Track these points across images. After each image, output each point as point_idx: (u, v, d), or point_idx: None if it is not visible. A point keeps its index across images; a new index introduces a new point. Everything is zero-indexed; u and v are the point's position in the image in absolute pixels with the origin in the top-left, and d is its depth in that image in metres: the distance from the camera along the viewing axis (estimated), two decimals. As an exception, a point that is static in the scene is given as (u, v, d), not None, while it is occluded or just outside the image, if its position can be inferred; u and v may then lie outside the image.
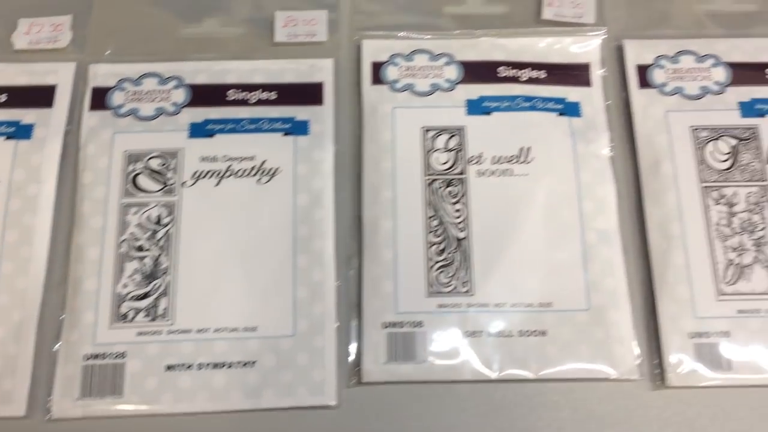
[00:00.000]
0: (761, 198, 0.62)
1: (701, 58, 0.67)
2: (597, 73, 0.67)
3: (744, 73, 0.66)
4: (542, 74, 0.67)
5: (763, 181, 0.62)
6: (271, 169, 0.63)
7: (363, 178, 0.64)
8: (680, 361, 0.58)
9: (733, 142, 0.64)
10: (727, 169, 0.63)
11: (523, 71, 0.67)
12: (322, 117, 0.65)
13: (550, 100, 0.66)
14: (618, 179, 0.64)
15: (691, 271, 0.60)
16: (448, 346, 0.59)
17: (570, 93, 0.66)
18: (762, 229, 0.61)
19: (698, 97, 0.65)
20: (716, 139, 0.64)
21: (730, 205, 0.62)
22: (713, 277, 0.60)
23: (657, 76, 0.66)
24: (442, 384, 0.59)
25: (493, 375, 0.58)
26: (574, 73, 0.67)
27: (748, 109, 0.64)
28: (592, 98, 0.66)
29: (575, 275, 0.60)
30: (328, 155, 0.64)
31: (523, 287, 0.60)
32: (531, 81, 0.67)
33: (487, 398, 0.58)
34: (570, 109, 0.65)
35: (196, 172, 0.63)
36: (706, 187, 0.62)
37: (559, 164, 0.63)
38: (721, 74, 0.66)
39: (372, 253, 0.61)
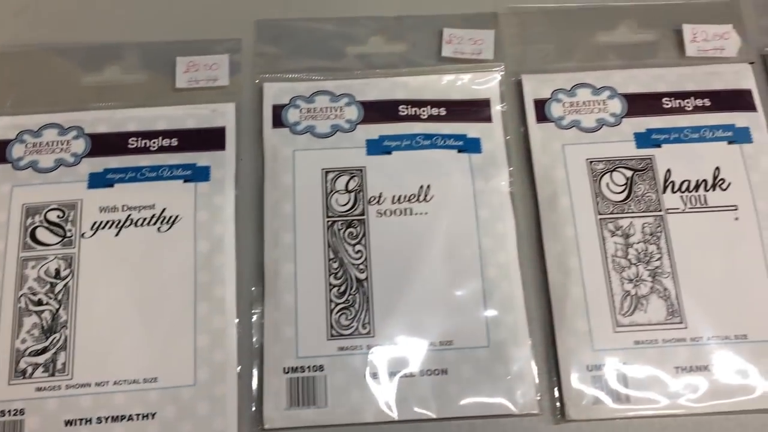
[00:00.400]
0: (657, 228, 0.63)
1: (598, 91, 0.68)
2: (497, 109, 0.68)
3: (640, 103, 0.67)
4: (443, 111, 0.68)
5: (659, 211, 0.63)
6: (171, 217, 0.63)
7: (264, 223, 0.64)
8: (579, 394, 0.59)
9: (629, 173, 0.65)
10: (623, 200, 0.64)
11: (423, 109, 0.68)
12: (223, 162, 0.66)
13: (450, 137, 0.67)
14: (518, 214, 0.65)
15: (589, 304, 0.61)
16: (349, 388, 0.59)
17: (470, 129, 0.67)
18: (658, 259, 0.62)
19: (594, 130, 0.66)
20: (612, 170, 0.65)
21: (627, 236, 0.63)
22: (610, 309, 0.61)
23: (554, 109, 0.67)
24: (345, 427, 0.59)
25: (396, 416, 0.59)
26: (474, 110, 0.68)
27: (644, 139, 0.66)
28: (492, 134, 0.67)
29: (476, 312, 0.61)
30: (228, 201, 0.65)
31: (423, 326, 0.61)
32: (432, 118, 0.67)
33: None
34: (470, 146, 0.66)
35: (95, 223, 0.63)
36: (602, 219, 0.63)
37: (459, 201, 0.64)
38: (617, 106, 0.67)
39: (273, 298, 0.61)
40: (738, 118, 0.67)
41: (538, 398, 0.60)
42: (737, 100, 0.68)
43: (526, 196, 0.66)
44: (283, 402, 0.59)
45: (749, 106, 0.67)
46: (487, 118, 0.68)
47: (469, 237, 0.63)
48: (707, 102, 0.67)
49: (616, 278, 0.61)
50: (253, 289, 0.63)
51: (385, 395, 0.59)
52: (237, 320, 0.61)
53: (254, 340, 0.61)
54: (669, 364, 0.59)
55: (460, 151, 0.66)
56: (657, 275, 0.62)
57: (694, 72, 0.69)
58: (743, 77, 0.69)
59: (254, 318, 0.62)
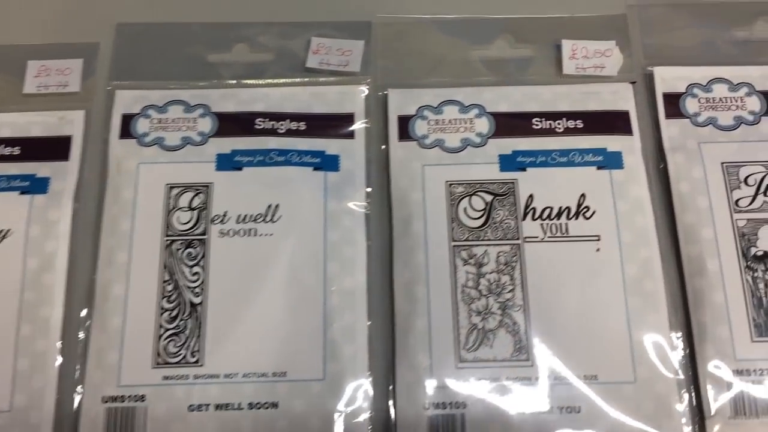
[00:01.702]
0: (512, 258, 0.60)
1: (466, 108, 0.65)
2: (360, 125, 0.65)
3: (509, 123, 0.65)
4: (302, 126, 0.65)
5: (516, 239, 0.60)
6: (0, 231, 0.61)
7: (100, 240, 0.61)
8: (413, 434, 0.56)
9: (489, 197, 0.62)
10: (480, 227, 0.61)
11: (282, 123, 0.65)
12: (65, 174, 0.63)
13: (307, 153, 0.64)
14: (372, 237, 0.62)
15: (433, 337, 0.58)
16: (170, 422, 0.57)
17: (330, 146, 0.65)
18: (510, 291, 0.59)
19: (458, 150, 0.64)
20: (471, 194, 0.62)
21: (480, 265, 0.60)
22: (455, 343, 0.58)
23: (418, 127, 0.65)
24: (163, 462, 0.56)
25: (218, 451, 0.56)
26: (336, 125, 0.65)
27: (508, 162, 0.63)
28: (353, 151, 0.65)
29: (313, 342, 0.59)
30: (65, 215, 0.62)
31: (257, 356, 0.58)
32: (290, 133, 0.65)
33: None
34: (327, 163, 0.64)
35: None
36: (456, 246, 0.60)
37: (307, 223, 0.62)
38: (484, 125, 0.64)
39: (100, 321, 0.59)
40: (610, 142, 0.64)
41: (372, 437, 0.57)
42: (612, 122, 0.65)
43: (383, 219, 0.63)
44: (100, 433, 0.56)
45: (624, 129, 0.64)
46: (349, 135, 0.65)
47: (315, 261, 0.61)
48: (579, 123, 0.64)
49: (464, 310, 0.59)
50: (83, 310, 0.60)
51: (208, 430, 0.56)
52: (60, 344, 0.58)
53: (78, 365, 0.58)
54: (511, 404, 0.57)
55: (316, 169, 0.64)
56: (507, 308, 0.59)
57: (570, 91, 0.66)
58: (622, 98, 0.66)
59: (80, 342, 0.59)
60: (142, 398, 0.57)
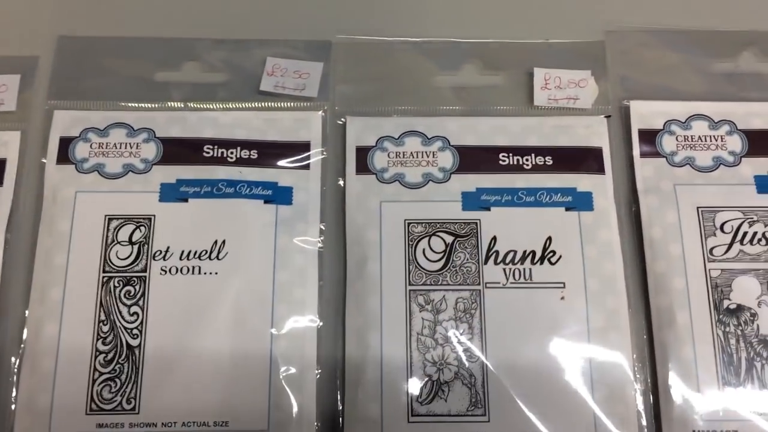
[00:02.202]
0: (472, 305, 0.57)
1: (428, 141, 0.62)
2: (317, 154, 0.62)
3: (474, 157, 0.61)
4: (254, 154, 0.62)
5: (477, 284, 0.57)
6: (-76, 265, 0.57)
7: (33, 274, 0.58)
8: (362, 493, 0.53)
9: (450, 238, 0.59)
10: (439, 270, 0.58)
11: (231, 150, 0.62)
12: (-3, 200, 0.59)
13: (258, 184, 0.61)
14: (325, 277, 0.59)
15: (384, 388, 0.55)
16: (102, 473, 0.53)
17: (283, 176, 0.61)
18: (468, 340, 0.56)
19: (419, 186, 0.61)
20: (432, 234, 0.59)
21: (437, 311, 0.57)
22: (407, 395, 0.55)
23: (377, 160, 0.61)
24: None
25: (153, 506, 0.53)
26: (290, 154, 0.62)
27: (472, 200, 0.60)
28: (308, 183, 0.62)
29: (258, 389, 0.56)
30: (-4, 247, 0.58)
31: (198, 403, 0.56)
32: (240, 162, 0.62)
33: None
34: (279, 196, 0.60)
35: None
36: (413, 290, 0.57)
37: (256, 261, 0.59)
38: (447, 159, 0.61)
39: (30, 363, 0.56)
40: (581, 181, 0.61)
41: (316, 494, 0.54)
42: (584, 159, 0.62)
43: (338, 257, 0.60)
44: (28, 484, 0.53)
45: (596, 168, 0.61)
46: (305, 165, 0.62)
47: (262, 303, 0.58)
48: (549, 160, 0.61)
49: (419, 359, 0.56)
50: (14, 349, 0.56)
51: (142, 482, 0.53)
52: (-13, 386, 0.55)
53: (9, 412, 0.55)
54: (465, 463, 0.54)
55: (266, 202, 0.60)
56: (464, 359, 0.56)
57: (540, 124, 0.63)
58: (595, 133, 0.63)
59: (7, 386, 0.56)
60: (72, 448, 0.54)
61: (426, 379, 0.56)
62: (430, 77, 0.65)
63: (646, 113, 0.63)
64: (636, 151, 0.62)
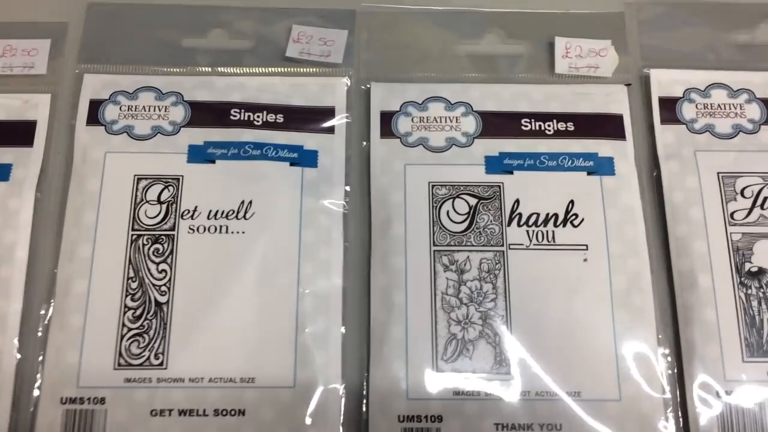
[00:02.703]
0: (495, 265, 0.58)
1: (452, 106, 0.63)
2: (341, 119, 0.63)
3: (496, 123, 0.63)
4: (280, 118, 0.63)
5: (500, 246, 0.59)
6: (-44, 221, 0.58)
7: (63, 232, 0.59)
8: (384, 448, 0.54)
9: (473, 201, 0.60)
10: (463, 231, 0.59)
11: (258, 114, 0.63)
12: (28, 161, 0.61)
13: (284, 147, 0.62)
14: (350, 238, 0.60)
15: (409, 346, 0.57)
16: (130, 426, 0.55)
17: (308, 140, 0.63)
18: (492, 300, 0.58)
19: (443, 150, 0.62)
20: (455, 197, 0.60)
21: (461, 272, 0.58)
22: (432, 353, 0.56)
23: (401, 124, 0.63)
24: (120, 470, 0.54)
25: (181, 460, 0.54)
26: (316, 119, 0.63)
27: (495, 164, 0.61)
28: (332, 147, 0.63)
29: (284, 347, 0.57)
30: (26, 205, 0.60)
31: (225, 360, 0.57)
32: (266, 125, 0.63)
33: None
34: (305, 159, 0.62)
35: None
36: (437, 251, 0.59)
37: (282, 221, 0.60)
38: (470, 124, 0.63)
39: (60, 319, 0.57)
40: (602, 147, 0.62)
41: (341, 449, 0.55)
42: (605, 125, 0.63)
43: (363, 219, 0.61)
44: (57, 436, 0.54)
45: (617, 134, 0.63)
46: (329, 130, 0.63)
47: (288, 262, 0.59)
48: (570, 126, 0.63)
49: (443, 318, 0.57)
50: (43, 306, 0.58)
51: (169, 436, 0.54)
52: (17, 341, 0.56)
53: (36, 364, 0.56)
54: (490, 419, 0.55)
55: (292, 164, 0.61)
56: (489, 318, 0.57)
57: (561, 91, 0.64)
58: (615, 100, 0.64)
59: (38, 340, 0.57)
60: (102, 401, 0.55)
61: (450, 337, 0.57)
62: (453, 45, 0.66)
63: (665, 81, 0.65)
64: (656, 118, 0.64)
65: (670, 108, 0.64)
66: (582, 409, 0.56)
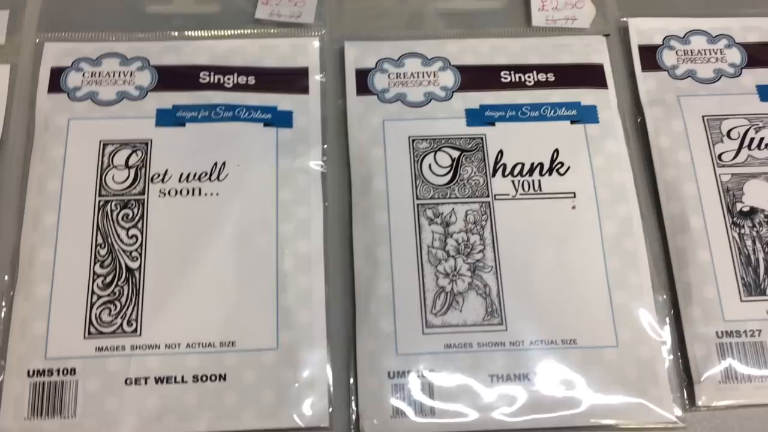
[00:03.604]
0: (482, 216, 0.57)
1: (429, 61, 0.62)
2: (315, 79, 0.62)
3: (475, 76, 0.62)
4: (251, 80, 0.62)
5: (486, 197, 0.57)
6: None
7: (26, 202, 0.57)
8: (377, 406, 0.53)
9: (455, 153, 0.59)
10: (447, 184, 0.58)
11: (228, 77, 0.62)
12: (-13, 131, 0.59)
13: (257, 108, 0.61)
14: (329, 198, 0.59)
15: (396, 301, 0.55)
16: (104, 396, 0.53)
17: (282, 101, 0.61)
18: (480, 252, 0.56)
19: (421, 104, 0.61)
20: (437, 150, 0.59)
21: (447, 224, 0.57)
22: (420, 307, 0.55)
23: (378, 81, 0.62)
24: (95, 443, 0.52)
25: (158, 429, 0.52)
26: (289, 79, 0.62)
27: (475, 116, 0.60)
28: (307, 107, 0.62)
29: (265, 309, 0.55)
30: (-14, 175, 0.57)
31: (202, 324, 0.55)
32: (237, 87, 0.62)
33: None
34: (279, 119, 0.60)
35: None
36: (420, 204, 0.57)
37: (257, 181, 0.58)
38: (449, 78, 0.62)
39: (25, 289, 0.55)
40: (585, 96, 0.62)
41: (330, 410, 0.53)
42: (586, 75, 0.63)
43: (341, 177, 0.60)
44: (24, 410, 0.52)
45: (599, 83, 0.62)
46: (303, 89, 0.62)
47: (266, 222, 0.57)
48: (551, 76, 0.62)
49: (431, 272, 0.56)
50: (6, 278, 0.55)
51: (145, 405, 0.53)
52: (-21, 314, 0.54)
53: (0, 337, 0.54)
54: (483, 371, 0.53)
55: (266, 125, 0.60)
56: (477, 270, 0.56)
57: (540, 44, 0.64)
58: (595, 51, 0.64)
59: (2, 312, 0.54)
60: (72, 371, 0.53)
61: (439, 290, 0.56)
62: (427, 2, 0.66)
63: (645, 30, 0.65)
64: (638, 66, 0.63)
65: (650, 56, 0.64)
66: (578, 356, 0.54)
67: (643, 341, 0.55)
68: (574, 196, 0.58)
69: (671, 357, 0.55)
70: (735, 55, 0.64)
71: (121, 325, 0.54)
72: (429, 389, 0.53)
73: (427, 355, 0.54)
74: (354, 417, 0.54)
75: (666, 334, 0.56)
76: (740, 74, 0.63)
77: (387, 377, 0.54)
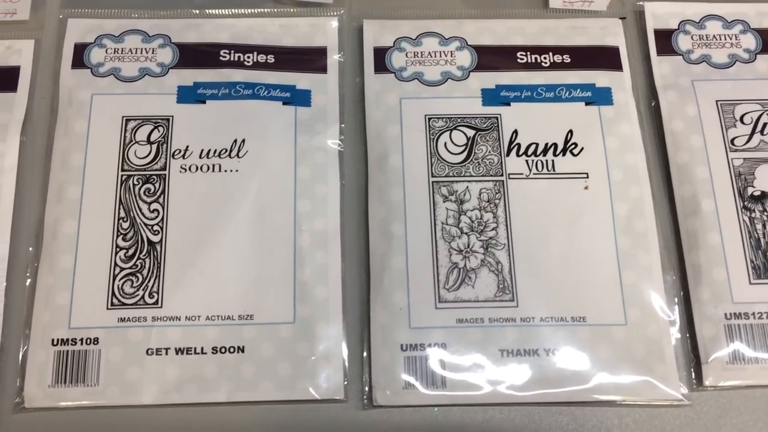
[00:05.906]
0: (495, 195, 0.59)
1: (446, 41, 0.64)
2: (333, 58, 0.64)
3: (492, 56, 0.64)
4: (271, 58, 0.64)
5: (500, 175, 0.60)
6: (-59, 165, 0.59)
7: (50, 175, 0.59)
8: (390, 378, 0.56)
9: (471, 132, 0.61)
10: (461, 162, 0.60)
11: (248, 55, 0.64)
12: (12, 105, 0.62)
13: (276, 87, 0.63)
14: (346, 175, 0.61)
15: (410, 276, 0.57)
16: (126, 366, 0.55)
17: (301, 80, 0.63)
18: (493, 229, 0.58)
19: (438, 83, 0.63)
20: (452, 129, 0.61)
21: (461, 202, 0.59)
22: (434, 283, 0.57)
23: (395, 59, 0.64)
24: (117, 410, 0.55)
25: (178, 399, 0.54)
26: (307, 58, 0.64)
27: (491, 96, 0.62)
28: (325, 86, 0.64)
29: (283, 284, 0.57)
30: (11, 149, 0.61)
31: (221, 297, 0.57)
32: (257, 66, 0.64)
33: (168, 426, 0.55)
34: (298, 98, 0.63)
35: None
36: (435, 182, 0.60)
37: (275, 159, 0.60)
38: (466, 58, 0.64)
39: (49, 260, 0.57)
40: (599, 78, 0.63)
41: (346, 383, 0.56)
42: (601, 57, 0.64)
43: (359, 156, 0.62)
44: (48, 378, 0.55)
45: (614, 65, 0.64)
46: (322, 69, 0.64)
47: (284, 199, 0.59)
48: (567, 58, 0.64)
49: (444, 248, 0.58)
50: (30, 249, 0.58)
51: (167, 375, 0.55)
52: (5, 284, 0.57)
53: (25, 307, 0.56)
54: (494, 346, 0.56)
55: (285, 104, 0.62)
56: (490, 247, 0.58)
57: (556, 25, 0.66)
58: (611, 33, 0.66)
59: (27, 282, 0.57)
60: (95, 341, 0.56)
61: (452, 266, 0.58)
62: (446, -17, 0.67)
63: (660, 14, 0.66)
64: (653, 49, 0.65)
65: (665, 40, 0.65)
66: (587, 333, 0.56)
67: (652, 320, 0.57)
68: (587, 177, 0.60)
69: (679, 336, 0.57)
70: (750, 41, 0.65)
71: (143, 296, 0.57)
72: (440, 362, 0.56)
73: (440, 329, 0.56)
74: (367, 389, 0.56)
75: (674, 314, 0.57)
76: (755, 60, 0.64)
77: (400, 350, 0.56)
